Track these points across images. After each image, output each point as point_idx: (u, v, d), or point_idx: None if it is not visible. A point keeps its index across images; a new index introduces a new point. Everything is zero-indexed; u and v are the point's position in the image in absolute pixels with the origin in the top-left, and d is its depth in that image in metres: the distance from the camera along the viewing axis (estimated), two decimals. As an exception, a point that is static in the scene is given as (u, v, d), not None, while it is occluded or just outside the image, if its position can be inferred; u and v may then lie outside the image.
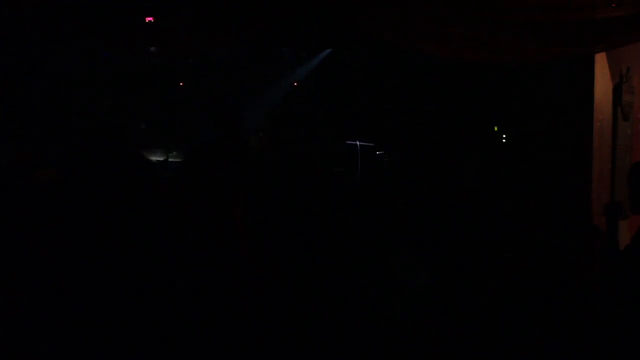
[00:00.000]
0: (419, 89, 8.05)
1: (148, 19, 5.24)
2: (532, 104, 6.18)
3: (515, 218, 5.16)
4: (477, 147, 7.06)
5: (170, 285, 3.17)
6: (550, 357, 3.38)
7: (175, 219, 3.38)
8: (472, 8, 4.64)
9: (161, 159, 7.70)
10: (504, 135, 7.12)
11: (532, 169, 5.95)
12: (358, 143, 8.12)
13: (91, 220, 3.32)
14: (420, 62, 7.49)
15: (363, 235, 3.78)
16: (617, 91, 5.95)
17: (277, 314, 3.30)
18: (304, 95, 9.82)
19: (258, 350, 3.17)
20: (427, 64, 7.38)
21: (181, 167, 3.83)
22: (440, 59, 6.70)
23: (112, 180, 3.44)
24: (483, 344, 3.49)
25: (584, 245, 3.80)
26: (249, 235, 3.33)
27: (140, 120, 8.59)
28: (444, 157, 7.20)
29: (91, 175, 3.47)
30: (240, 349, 3.15)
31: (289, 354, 3.27)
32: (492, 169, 6.47)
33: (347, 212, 4.16)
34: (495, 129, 7.22)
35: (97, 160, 3.57)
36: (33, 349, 3.07)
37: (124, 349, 3.08)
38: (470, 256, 4.09)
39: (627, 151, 6.09)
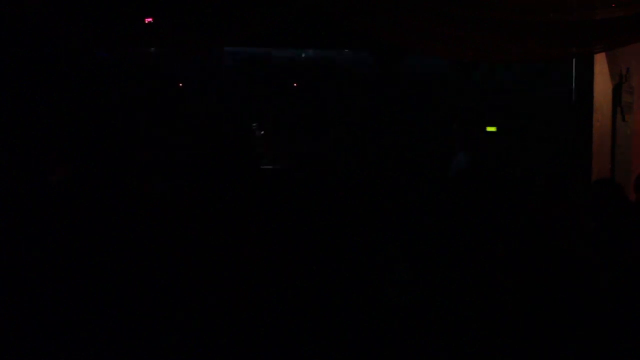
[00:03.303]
0: (416, 88, 8.07)
1: (148, 20, 5.23)
2: (532, 104, 6.19)
3: (512, 218, 5.16)
4: (473, 146, 7.07)
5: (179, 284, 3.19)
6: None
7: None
8: (471, 8, 4.64)
9: None
10: (503, 136, 7.14)
11: (531, 170, 5.95)
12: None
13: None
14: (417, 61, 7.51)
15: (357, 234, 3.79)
16: (616, 91, 5.95)
17: (272, 312, 3.32)
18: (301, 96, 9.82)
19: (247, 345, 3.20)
20: (424, 64, 7.40)
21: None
22: (440, 59, 6.71)
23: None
24: (473, 342, 3.49)
25: (584, 247, 3.80)
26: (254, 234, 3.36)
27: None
28: (440, 157, 7.22)
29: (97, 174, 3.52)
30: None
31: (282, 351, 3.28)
32: (490, 168, 6.48)
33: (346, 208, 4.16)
34: (495, 129, 7.23)
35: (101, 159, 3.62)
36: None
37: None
38: (462, 254, 4.08)
39: (627, 151, 6.09)
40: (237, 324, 3.27)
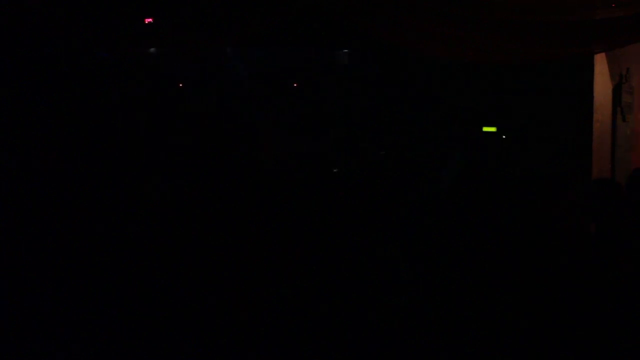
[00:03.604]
0: (415, 88, 8.06)
1: (148, 20, 5.23)
2: (532, 104, 6.18)
3: (512, 218, 5.16)
4: (473, 147, 7.07)
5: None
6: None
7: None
8: (471, 8, 4.64)
9: None
10: (504, 136, 7.12)
11: (531, 170, 5.95)
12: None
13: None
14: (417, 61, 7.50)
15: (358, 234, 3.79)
16: (616, 92, 5.96)
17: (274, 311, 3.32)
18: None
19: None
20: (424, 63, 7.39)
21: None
22: (439, 59, 6.71)
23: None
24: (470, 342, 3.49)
25: (584, 247, 3.80)
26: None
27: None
28: (440, 157, 7.21)
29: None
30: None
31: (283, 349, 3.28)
32: (489, 168, 6.47)
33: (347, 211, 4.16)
34: (495, 129, 7.22)
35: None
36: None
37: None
38: (462, 254, 4.09)
39: (627, 152, 6.09)
40: (237, 324, 3.27)
